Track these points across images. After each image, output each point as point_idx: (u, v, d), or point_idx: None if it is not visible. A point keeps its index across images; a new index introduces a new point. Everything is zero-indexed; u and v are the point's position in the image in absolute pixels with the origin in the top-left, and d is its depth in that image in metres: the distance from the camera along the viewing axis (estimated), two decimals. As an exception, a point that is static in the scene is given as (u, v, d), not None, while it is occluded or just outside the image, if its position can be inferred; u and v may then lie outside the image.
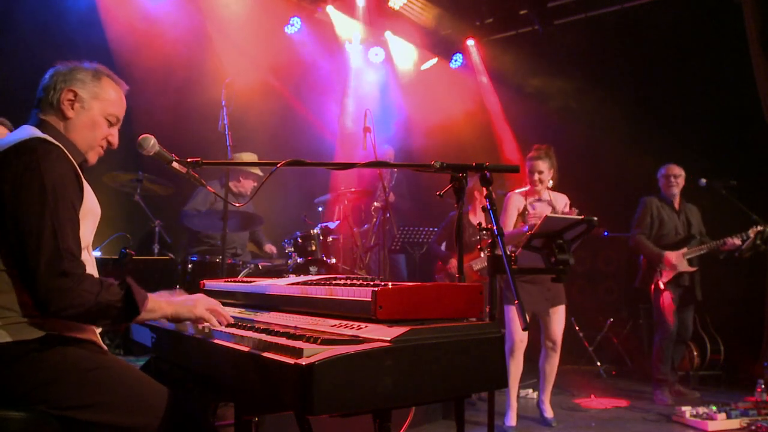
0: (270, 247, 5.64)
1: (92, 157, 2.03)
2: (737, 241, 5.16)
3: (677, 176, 5.44)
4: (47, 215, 1.71)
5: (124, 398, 1.78)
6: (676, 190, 5.46)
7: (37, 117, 1.96)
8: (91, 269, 1.95)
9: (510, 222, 4.49)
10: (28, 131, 1.86)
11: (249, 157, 5.06)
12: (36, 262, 1.67)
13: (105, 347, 1.97)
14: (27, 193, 1.72)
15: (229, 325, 1.91)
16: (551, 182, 4.56)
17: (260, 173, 5.31)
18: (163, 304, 1.89)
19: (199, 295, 2.01)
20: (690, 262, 5.31)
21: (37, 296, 1.68)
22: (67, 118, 1.95)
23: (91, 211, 1.93)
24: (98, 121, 1.99)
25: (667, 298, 5.26)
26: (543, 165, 4.49)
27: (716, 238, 5.28)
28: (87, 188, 1.91)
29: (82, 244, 1.87)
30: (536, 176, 4.49)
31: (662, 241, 5.38)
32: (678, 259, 5.26)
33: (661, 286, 5.27)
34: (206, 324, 1.92)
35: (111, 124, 2.04)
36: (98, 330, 1.98)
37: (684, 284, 5.32)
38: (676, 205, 5.50)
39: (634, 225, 5.54)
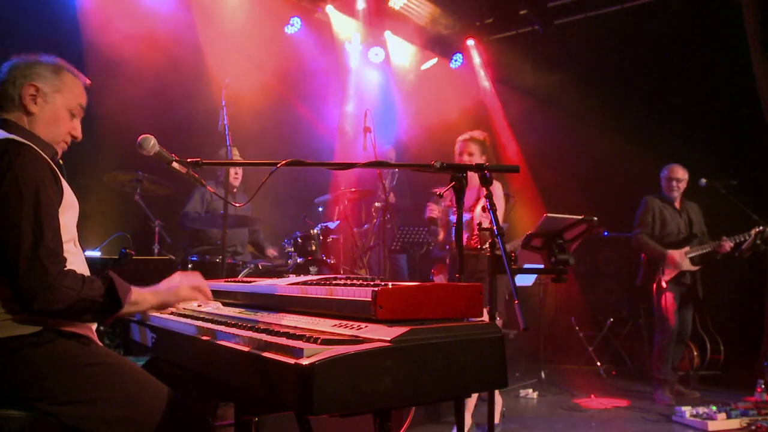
0: (271, 251, 5.64)
1: (58, 150, 2.04)
2: (730, 244, 5.19)
3: (680, 180, 5.44)
4: (25, 215, 1.72)
5: (123, 394, 1.78)
6: (677, 194, 5.48)
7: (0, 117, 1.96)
8: (80, 262, 1.96)
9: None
10: None
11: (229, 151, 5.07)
12: (16, 262, 1.68)
13: (101, 344, 1.96)
14: (3, 195, 1.73)
15: (229, 325, 1.91)
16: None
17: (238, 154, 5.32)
18: (147, 295, 1.90)
19: (178, 277, 2.03)
20: (692, 260, 5.32)
21: (20, 294, 1.69)
22: (31, 114, 1.96)
23: (71, 205, 1.93)
24: (61, 114, 2.01)
25: (669, 298, 5.27)
26: (474, 147, 4.11)
27: (716, 238, 5.30)
28: (64, 183, 1.91)
29: (68, 237, 1.88)
30: (465, 158, 4.11)
31: (665, 240, 5.39)
32: (681, 258, 5.27)
33: (664, 285, 5.27)
34: (209, 326, 1.91)
35: (74, 116, 2.05)
36: (93, 326, 1.98)
37: (686, 283, 5.33)
38: (677, 205, 5.51)
39: (635, 225, 5.55)
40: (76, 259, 1.93)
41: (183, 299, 1.96)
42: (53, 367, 1.75)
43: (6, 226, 1.71)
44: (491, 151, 4.23)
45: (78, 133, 2.08)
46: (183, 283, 1.99)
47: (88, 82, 2.11)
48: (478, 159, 4.06)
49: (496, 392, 4.21)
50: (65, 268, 1.76)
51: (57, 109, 1.99)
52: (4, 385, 1.72)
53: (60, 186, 1.88)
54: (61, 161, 2.13)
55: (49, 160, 1.88)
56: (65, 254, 1.81)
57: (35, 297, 1.67)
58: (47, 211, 1.77)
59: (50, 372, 1.74)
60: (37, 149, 1.85)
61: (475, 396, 3.98)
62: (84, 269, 1.95)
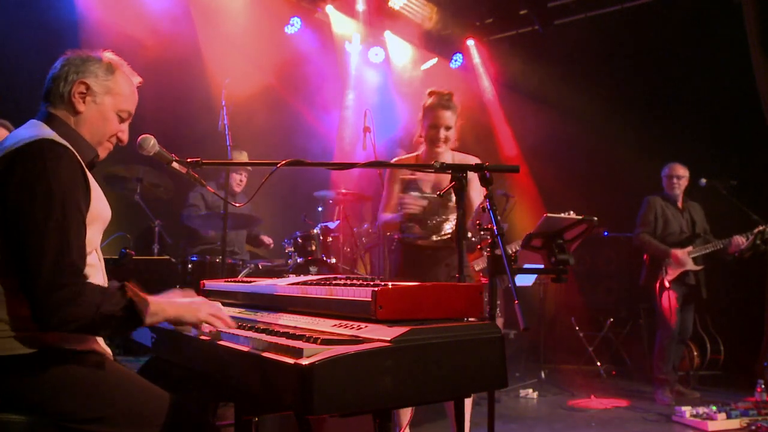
0: (267, 239, 5.62)
1: (102, 152, 1.96)
2: (742, 239, 5.16)
3: (680, 177, 5.44)
4: (52, 226, 1.64)
5: (125, 410, 1.74)
6: (679, 191, 5.48)
7: (46, 111, 1.88)
8: (98, 271, 1.91)
9: (391, 199, 3.36)
10: (36, 130, 1.79)
11: (237, 154, 5.08)
12: (37, 276, 1.61)
13: (108, 351, 1.93)
14: (33, 202, 1.65)
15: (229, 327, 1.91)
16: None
17: (248, 168, 5.35)
18: (165, 305, 1.81)
19: (202, 299, 1.96)
20: (695, 260, 5.32)
21: (37, 310, 1.62)
22: (78, 113, 1.88)
23: (99, 215, 1.86)
24: (109, 116, 1.93)
25: (672, 297, 5.27)
26: (452, 118, 3.28)
27: (717, 238, 5.29)
28: (95, 191, 1.84)
29: (90, 248, 1.82)
30: (442, 133, 3.26)
31: (668, 240, 5.39)
32: (684, 256, 5.28)
33: (667, 284, 5.28)
34: (210, 328, 1.87)
35: (122, 120, 1.98)
36: None
37: (689, 283, 5.33)
38: (680, 204, 5.51)
39: (638, 224, 5.55)
40: (95, 270, 1.87)
41: (200, 320, 1.84)
42: (54, 388, 1.69)
43: (29, 237, 1.64)
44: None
45: (125, 136, 2.00)
46: (204, 306, 1.89)
47: (140, 80, 2.05)
48: (454, 130, 3.33)
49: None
50: (85, 284, 1.69)
51: (105, 111, 1.91)
52: (3, 404, 1.68)
53: (89, 195, 1.79)
54: None
55: (84, 165, 1.80)
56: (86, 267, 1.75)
57: (53, 315, 1.61)
58: (75, 223, 1.70)
59: (51, 392, 1.69)
60: (75, 153, 1.77)
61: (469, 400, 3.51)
62: (102, 280, 1.90)
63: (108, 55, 1.98)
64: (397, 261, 3.52)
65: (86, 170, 1.82)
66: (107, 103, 1.92)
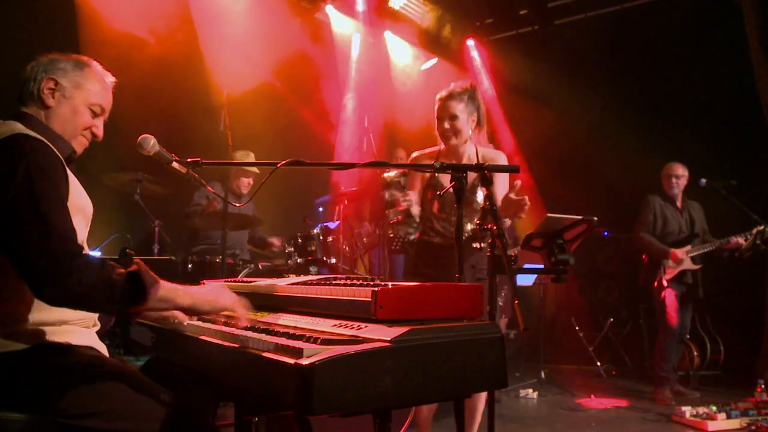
0: (275, 240, 5.60)
1: (77, 147, 1.97)
2: (741, 240, 5.16)
3: (679, 177, 5.45)
4: (35, 203, 1.63)
5: (124, 405, 1.73)
6: (678, 191, 5.49)
7: (19, 110, 1.91)
8: None
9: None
10: (7, 127, 1.80)
11: (244, 155, 5.07)
12: (27, 246, 1.59)
13: (104, 348, 1.93)
14: (13, 186, 1.64)
15: (228, 325, 1.91)
16: (471, 133, 3.18)
17: (257, 170, 5.34)
18: (180, 292, 1.75)
19: (220, 287, 1.91)
20: (693, 260, 5.32)
21: (33, 278, 1.58)
22: (48, 107, 1.90)
23: (80, 210, 1.87)
24: (80, 110, 1.93)
25: (670, 296, 5.28)
26: (458, 107, 3.13)
27: (718, 238, 5.30)
28: (74, 185, 1.85)
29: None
30: (446, 124, 3.12)
31: (666, 239, 5.40)
32: (683, 255, 5.28)
33: (665, 283, 5.28)
34: (208, 326, 1.87)
35: (95, 115, 1.98)
36: (95, 329, 1.95)
37: (687, 282, 5.34)
38: (679, 204, 5.52)
39: (637, 224, 5.55)
40: None
41: (220, 309, 1.81)
42: (51, 382, 1.69)
43: (14, 217, 1.63)
44: (481, 102, 3.28)
45: (99, 132, 2.00)
46: (224, 294, 1.84)
47: (113, 79, 2.05)
48: (465, 121, 3.15)
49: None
50: (82, 250, 1.66)
51: (76, 105, 1.92)
52: (1, 402, 1.68)
53: (68, 184, 1.80)
54: None
55: (62, 159, 1.81)
56: None
57: (50, 278, 1.56)
58: (58, 205, 1.70)
59: (48, 387, 1.68)
60: (51, 146, 1.79)
61: (481, 406, 3.34)
62: None
63: (78, 56, 2.00)
64: (413, 260, 3.37)
65: (64, 164, 1.82)
66: (77, 97, 1.93)
